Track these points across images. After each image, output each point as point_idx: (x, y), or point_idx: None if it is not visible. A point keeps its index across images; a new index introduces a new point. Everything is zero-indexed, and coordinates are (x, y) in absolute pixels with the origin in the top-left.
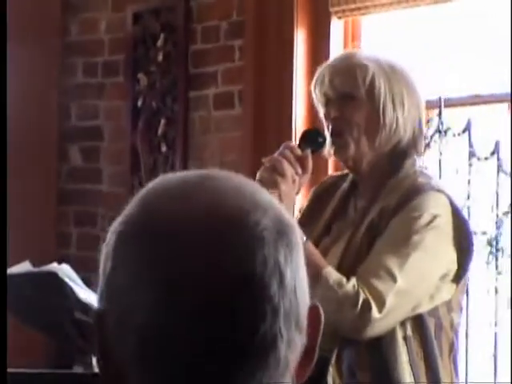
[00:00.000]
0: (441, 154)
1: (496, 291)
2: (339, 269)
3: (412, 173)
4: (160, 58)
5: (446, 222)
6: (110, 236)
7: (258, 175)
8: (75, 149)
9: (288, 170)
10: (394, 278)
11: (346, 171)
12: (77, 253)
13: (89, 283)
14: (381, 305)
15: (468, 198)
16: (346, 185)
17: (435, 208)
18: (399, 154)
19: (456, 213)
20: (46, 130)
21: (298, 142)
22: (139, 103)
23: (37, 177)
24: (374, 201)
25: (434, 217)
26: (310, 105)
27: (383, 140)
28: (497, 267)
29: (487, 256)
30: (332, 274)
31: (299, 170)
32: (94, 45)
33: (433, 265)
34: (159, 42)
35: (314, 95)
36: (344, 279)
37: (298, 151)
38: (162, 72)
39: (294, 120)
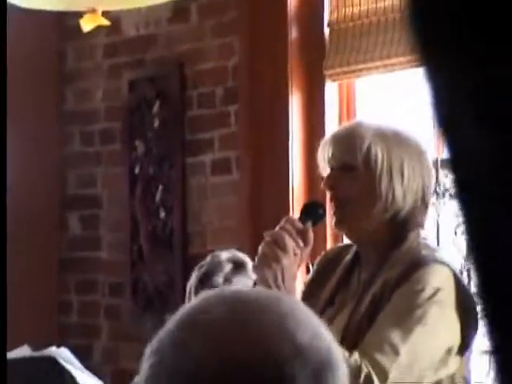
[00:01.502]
0: (438, 215)
1: None
2: (342, 342)
3: (416, 245)
4: (156, 124)
5: (449, 296)
6: (145, 362)
7: (259, 250)
8: (74, 217)
9: (289, 243)
10: (396, 352)
11: (349, 242)
12: (78, 320)
13: (90, 350)
14: (383, 379)
15: (467, 259)
16: (349, 256)
17: (438, 281)
18: (400, 225)
19: (460, 286)
20: (46, 198)
21: (298, 215)
22: (136, 170)
23: (38, 246)
24: (376, 273)
25: (437, 290)
26: (307, 168)
27: (380, 211)
28: None
29: None
30: None
31: (301, 244)
32: (90, 113)
33: (436, 339)
34: (155, 109)
35: (319, 163)
36: (346, 354)
37: (299, 224)
38: (158, 138)
39: (291, 184)
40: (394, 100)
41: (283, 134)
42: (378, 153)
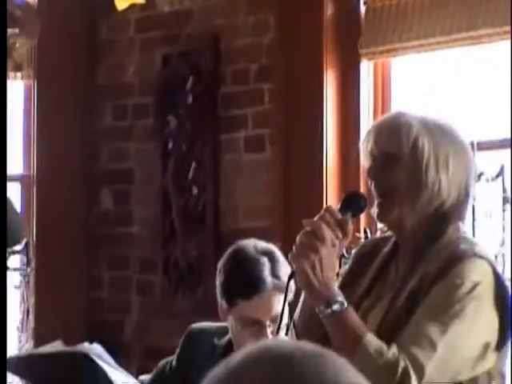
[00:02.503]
0: (474, 199)
1: None
2: (378, 334)
3: (455, 239)
4: (189, 100)
5: (487, 290)
6: None
7: (297, 239)
8: (106, 192)
9: (327, 234)
10: (434, 347)
11: (388, 233)
12: (110, 296)
13: (121, 326)
14: (420, 374)
15: (502, 244)
16: (387, 248)
17: (477, 276)
18: (442, 218)
19: (498, 281)
20: (77, 173)
21: (339, 205)
22: (169, 146)
23: (69, 221)
24: (415, 266)
25: (476, 285)
26: (340, 147)
27: (425, 202)
28: None
29: None
30: (372, 341)
31: (339, 235)
32: (123, 87)
33: (474, 334)
34: (188, 85)
35: (361, 154)
36: (385, 347)
37: (338, 215)
38: (191, 114)
39: (325, 162)
40: (430, 80)
41: (317, 112)
42: (425, 143)
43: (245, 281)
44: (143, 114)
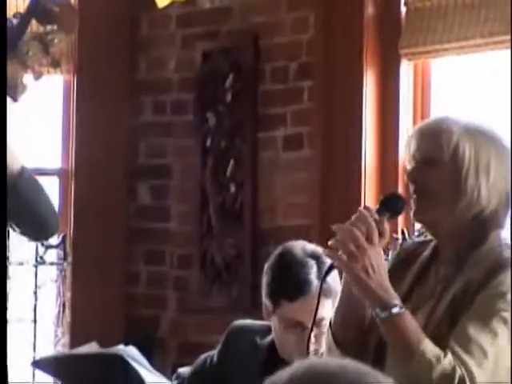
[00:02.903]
0: None
1: None
2: None
3: (496, 246)
4: (229, 97)
5: None
6: None
7: (340, 238)
8: (144, 187)
9: (375, 234)
10: (485, 355)
11: (428, 237)
12: (146, 291)
13: (157, 322)
14: (473, 382)
15: None
16: (427, 252)
17: None
18: (482, 224)
19: None
20: (115, 168)
21: (377, 206)
22: (208, 142)
23: (107, 215)
24: (456, 271)
25: None
26: (379, 147)
27: (463, 208)
28: None
29: None
30: (429, 348)
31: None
32: (163, 83)
33: None
34: (228, 82)
35: (404, 157)
36: (442, 354)
37: (376, 215)
38: (230, 112)
39: (364, 162)
40: (469, 82)
41: (356, 111)
42: (466, 149)
43: (290, 283)
44: (183, 110)
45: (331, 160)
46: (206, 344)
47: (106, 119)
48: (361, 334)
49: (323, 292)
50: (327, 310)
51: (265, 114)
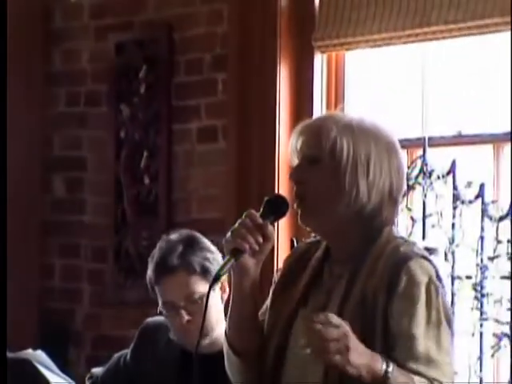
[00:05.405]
0: (425, 196)
1: (481, 336)
2: None
3: (392, 240)
4: (142, 89)
5: (438, 287)
6: None
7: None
8: (59, 179)
9: (342, 323)
10: (444, 363)
11: (318, 238)
12: (61, 284)
13: (72, 315)
14: None
15: (452, 241)
16: (319, 252)
17: (427, 276)
18: (369, 220)
19: (438, 278)
20: (30, 159)
21: (261, 210)
22: (122, 134)
23: (21, 207)
24: (351, 269)
25: (429, 284)
26: None
27: (343, 206)
28: (481, 313)
29: (472, 301)
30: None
31: (260, 239)
32: (76, 74)
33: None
34: (141, 74)
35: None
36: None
37: (259, 220)
38: (144, 104)
39: (278, 154)
40: (383, 75)
41: (271, 104)
42: (344, 145)
43: (155, 267)
44: (97, 102)
45: (246, 152)
46: (120, 337)
47: (19, 111)
48: (259, 340)
49: (188, 270)
50: (196, 286)
51: (179, 106)
